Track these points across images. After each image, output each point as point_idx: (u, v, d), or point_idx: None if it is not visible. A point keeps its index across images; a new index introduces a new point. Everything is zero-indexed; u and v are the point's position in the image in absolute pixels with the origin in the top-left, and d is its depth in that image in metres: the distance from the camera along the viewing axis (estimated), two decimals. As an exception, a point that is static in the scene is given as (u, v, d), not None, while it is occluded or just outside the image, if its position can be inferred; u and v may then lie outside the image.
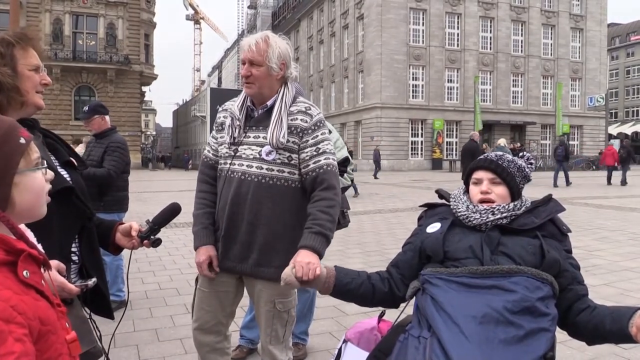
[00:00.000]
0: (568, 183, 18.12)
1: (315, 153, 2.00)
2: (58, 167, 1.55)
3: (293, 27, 53.49)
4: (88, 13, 39.49)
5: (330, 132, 2.34)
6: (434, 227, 1.75)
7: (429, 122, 37.61)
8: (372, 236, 7.78)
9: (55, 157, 1.59)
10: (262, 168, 1.99)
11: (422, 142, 38.12)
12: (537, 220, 1.68)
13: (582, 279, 1.66)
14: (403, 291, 1.74)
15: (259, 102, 2.06)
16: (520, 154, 1.90)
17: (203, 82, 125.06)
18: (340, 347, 1.78)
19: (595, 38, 42.61)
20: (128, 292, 2.51)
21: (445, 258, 1.64)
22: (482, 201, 1.75)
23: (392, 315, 1.74)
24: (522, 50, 40.41)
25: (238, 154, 2.04)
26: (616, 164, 19.52)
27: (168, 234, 7.50)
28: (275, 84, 2.04)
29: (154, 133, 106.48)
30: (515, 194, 1.77)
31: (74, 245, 1.58)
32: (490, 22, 39.44)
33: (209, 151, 2.19)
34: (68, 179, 1.56)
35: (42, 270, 0.97)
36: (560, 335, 1.63)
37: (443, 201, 1.90)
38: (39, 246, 1.08)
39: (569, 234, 1.73)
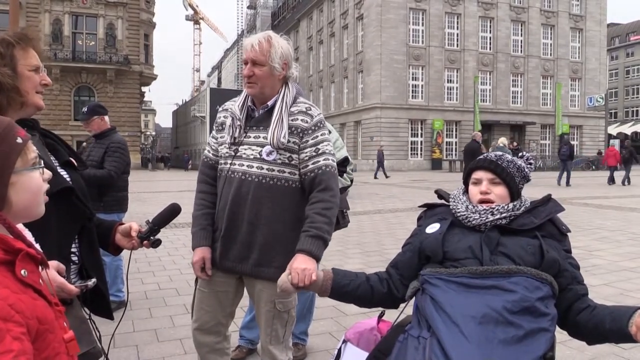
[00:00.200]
0: (568, 184, 18.14)
1: (314, 154, 2.00)
2: (58, 168, 1.55)
3: (292, 28, 53.50)
4: (87, 13, 39.47)
5: (329, 132, 2.34)
6: (433, 228, 1.75)
7: (429, 122, 37.63)
8: (371, 236, 7.78)
9: (55, 158, 1.59)
10: (262, 168, 1.99)
11: (421, 142, 38.13)
12: (537, 221, 1.69)
13: (582, 278, 1.66)
14: (402, 292, 1.74)
15: (260, 102, 2.06)
16: (520, 154, 1.90)
17: (203, 82, 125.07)
18: (340, 347, 1.78)
19: (594, 38, 42.64)
20: (128, 293, 2.51)
21: (445, 258, 1.64)
22: (481, 201, 1.75)
23: (392, 316, 1.74)
24: (521, 51, 40.43)
25: (238, 154, 2.04)
26: (618, 164, 19.56)
27: (168, 235, 7.49)
28: (277, 84, 2.04)
29: (154, 133, 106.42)
30: (514, 194, 1.77)
31: (73, 245, 1.57)
32: (490, 22, 39.45)
33: (209, 151, 2.19)
34: (68, 179, 1.56)
35: (40, 269, 0.97)
36: (560, 335, 1.63)
37: (442, 201, 1.90)
38: (37, 245, 1.08)
39: (568, 234, 1.73)
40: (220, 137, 2.13)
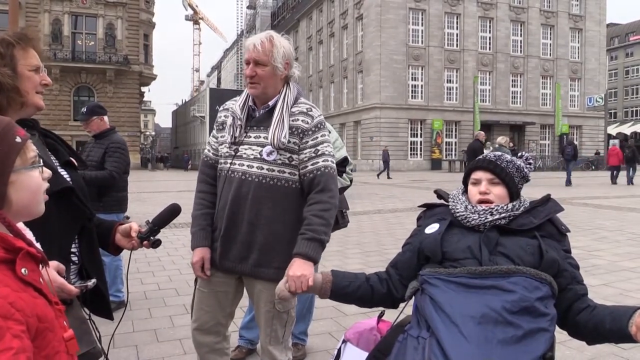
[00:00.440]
0: (569, 183, 18.17)
1: (313, 155, 2.00)
2: (58, 168, 1.55)
3: (292, 28, 53.49)
4: (87, 13, 39.47)
5: (329, 132, 2.34)
6: (432, 228, 1.75)
7: (428, 122, 37.64)
8: (371, 236, 7.78)
9: (55, 157, 1.59)
10: (262, 168, 1.99)
11: (421, 142, 38.14)
12: (536, 221, 1.69)
13: (582, 278, 1.66)
14: (401, 292, 1.75)
15: (261, 102, 2.06)
16: (519, 154, 1.90)
17: (202, 82, 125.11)
18: (340, 348, 1.78)
19: (594, 38, 42.67)
20: (127, 293, 2.51)
21: (444, 258, 1.64)
22: (480, 201, 1.75)
23: (392, 316, 1.74)
24: (521, 51, 40.45)
25: (239, 153, 2.03)
26: (620, 164, 19.60)
27: (167, 235, 7.49)
28: (279, 84, 2.04)
29: (153, 133, 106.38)
30: (513, 194, 1.77)
31: (73, 245, 1.57)
32: (490, 23, 39.47)
33: (209, 151, 2.19)
34: (68, 179, 1.56)
35: (40, 268, 0.97)
36: (560, 335, 1.63)
37: (442, 201, 1.90)
38: (37, 245, 1.09)
39: (568, 234, 1.73)
40: (221, 137, 2.13)
